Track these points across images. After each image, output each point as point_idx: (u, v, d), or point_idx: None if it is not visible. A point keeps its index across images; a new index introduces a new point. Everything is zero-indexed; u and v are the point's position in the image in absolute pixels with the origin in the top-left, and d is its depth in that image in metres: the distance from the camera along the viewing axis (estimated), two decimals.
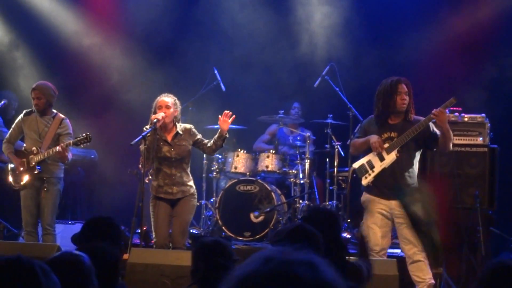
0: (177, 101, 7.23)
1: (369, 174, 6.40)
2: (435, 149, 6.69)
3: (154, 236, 7.13)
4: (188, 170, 7.28)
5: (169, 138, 7.12)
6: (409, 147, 6.33)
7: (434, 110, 6.22)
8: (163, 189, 7.07)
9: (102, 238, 3.85)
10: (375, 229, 6.31)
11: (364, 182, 6.47)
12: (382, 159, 6.33)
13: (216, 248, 3.86)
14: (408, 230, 6.22)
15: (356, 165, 6.57)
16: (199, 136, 7.27)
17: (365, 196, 6.50)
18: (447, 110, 6.39)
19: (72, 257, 2.94)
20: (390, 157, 6.29)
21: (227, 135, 7.18)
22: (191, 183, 7.24)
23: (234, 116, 7.11)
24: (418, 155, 6.45)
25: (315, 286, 1.48)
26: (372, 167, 6.39)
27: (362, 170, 6.45)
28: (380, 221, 6.33)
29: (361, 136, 6.56)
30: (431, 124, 6.32)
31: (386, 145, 6.33)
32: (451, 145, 6.43)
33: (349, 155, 8.83)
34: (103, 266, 3.26)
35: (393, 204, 6.29)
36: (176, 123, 7.21)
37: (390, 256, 7.31)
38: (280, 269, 1.50)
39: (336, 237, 4.00)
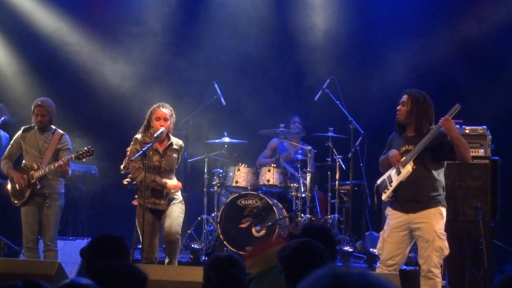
0: (173, 112, 7.25)
1: (388, 189, 6.35)
2: (457, 161, 6.55)
3: (142, 250, 7.10)
4: (174, 180, 7.27)
5: (160, 148, 7.12)
6: (425, 158, 6.23)
7: (440, 119, 6.18)
8: (150, 199, 7.03)
9: (111, 256, 3.83)
10: (390, 244, 6.24)
11: (383, 197, 6.42)
12: (399, 173, 6.29)
13: (230, 262, 3.86)
14: (424, 243, 6.16)
15: (379, 181, 6.55)
16: (179, 157, 7.36)
17: (388, 209, 6.45)
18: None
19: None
20: (405, 170, 6.22)
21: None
22: (178, 193, 7.26)
23: None
24: (440, 167, 6.33)
25: None
26: (390, 181, 6.34)
27: (383, 186, 6.43)
28: (397, 237, 6.24)
29: (387, 152, 6.55)
30: (448, 135, 6.23)
31: (403, 159, 6.29)
32: (468, 155, 6.25)
33: (350, 169, 8.85)
34: (133, 285, 3.19)
35: (412, 217, 6.22)
36: (169, 134, 7.23)
37: None
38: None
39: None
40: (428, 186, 6.23)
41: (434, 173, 6.27)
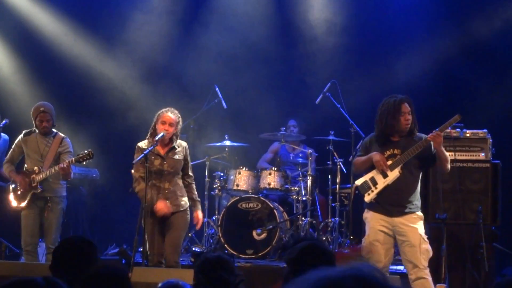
0: (180, 119, 7.10)
1: (372, 191, 6.37)
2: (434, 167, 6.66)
3: (149, 253, 7.05)
4: (182, 184, 7.13)
5: (162, 152, 7.01)
6: (412, 164, 6.30)
7: (432, 132, 6.20)
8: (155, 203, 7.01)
9: (80, 260, 3.79)
10: (377, 246, 6.27)
11: (367, 198, 6.42)
12: (385, 176, 6.30)
13: (219, 263, 3.87)
14: (410, 248, 6.18)
15: (358, 182, 6.53)
16: (188, 158, 7.19)
17: (367, 213, 6.46)
18: (449, 127, 6.35)
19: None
20: (393, 174, 6.26)
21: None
22: (185, 198, 7.09)
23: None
24: (420, 173, 6.43)
25: None
26: (375, 183, 6.35)
27: (365, 187, 6.41)
28: (382, 238, 6.28)
29: (363, 154, 6.51)
30: (432, 143, 6.29)
31: (389, 162, 6.30)
32: (448, 166, 6.40)
33: (351, 172, 8.85)
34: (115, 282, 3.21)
35: (396, 221, 6.26)
36: (174, 139, 7.07)
37: (393, 272, 7.28)
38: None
39: None
40: (411, 191, 6.33)
41: (417, 179, 6.36)
